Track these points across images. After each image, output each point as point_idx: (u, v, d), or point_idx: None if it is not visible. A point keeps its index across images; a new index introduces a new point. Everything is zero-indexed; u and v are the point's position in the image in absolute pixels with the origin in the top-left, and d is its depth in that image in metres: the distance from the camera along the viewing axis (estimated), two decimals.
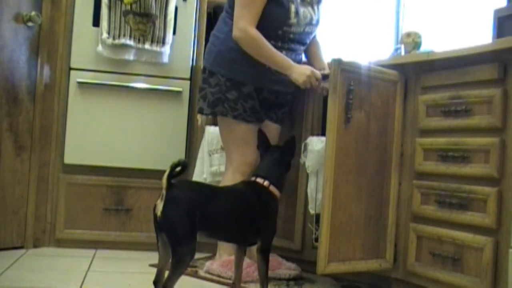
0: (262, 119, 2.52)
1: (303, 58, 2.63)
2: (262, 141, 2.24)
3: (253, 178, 2.14)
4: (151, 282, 2.15)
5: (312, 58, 2.62)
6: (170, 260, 1.81)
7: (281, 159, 2.17)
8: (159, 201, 1.82)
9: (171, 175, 1.81)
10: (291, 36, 2.45)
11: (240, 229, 2.02)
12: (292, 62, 2.37)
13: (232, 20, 2.42)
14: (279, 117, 2.61)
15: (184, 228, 1.81)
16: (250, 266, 2.41)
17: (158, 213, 1.80)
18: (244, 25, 2.34)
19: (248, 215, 2.01)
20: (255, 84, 2.44)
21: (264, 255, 2.05)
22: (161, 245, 1.86)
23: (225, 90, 2.44)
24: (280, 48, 2.42)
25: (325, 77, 2.38)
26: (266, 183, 2.09)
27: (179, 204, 1.81)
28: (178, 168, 1.81)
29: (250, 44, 2.36)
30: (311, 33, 2.53)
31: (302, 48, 2.56)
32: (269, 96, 2.50)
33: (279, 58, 2.36)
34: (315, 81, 2.35)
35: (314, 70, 2.37)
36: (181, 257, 1.80)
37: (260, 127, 2.53)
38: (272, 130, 2.59)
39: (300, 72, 2.35)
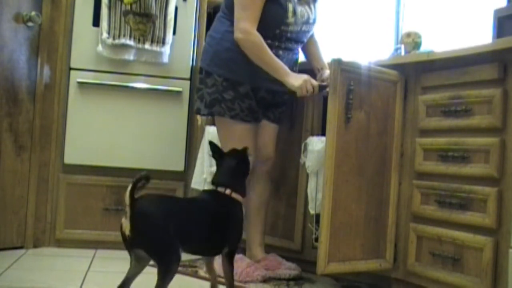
0: (259, 118, 2.52)
1: (302, 58, 2.63)
2: (215, 150, 2.15)
3: (213, 188, 2.07)
4: (151, 282, 2.15)
5: (311, 57, 2.62)
6: (157, 270, 1.75)
7: (238, 165, 2.10)
8: (124, 219, 1.73)
9: (133, 191, 1.71)
10: (289, 35, 2.44)
11: (210, 239, 1.96)
12: (289, 70, 2.37)
13: (228, 20, 2.43)
14: (276, 117, 2.60)
15: (162, 239, 1.75)
16: (250, 266, 2.41)
17: (127, 231, 1.71)
18: (246, 27, 2.33)
19: (216, 224, 1.97)
20: (252, 84, 2.43)
21: (230, 258, 2.04)
22: (134, 258, 1.80)
23: (222, 90, 2.43)
24: (277, 48, 2.42)
25: (322, 88, 2.37)
26: (228, 191, 2.04)
27: (148, 217, 1.74)
28: (141, 182, 1.73)
29: (251, 47, 2.36)
30: (308, 31, 2.53)
31: (299, 47, 2.56)
32: (266, 95, 2.50)
33: (277, 65, 2.36)
34: (310, 87, 2.34)
35: (311, 78, 2.37)
36: (168, 266, 1.76)
37: (258, 127, 2.54)
38: (270, 130, 2.59)
39: (296, 77, 2.35)
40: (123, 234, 1.74)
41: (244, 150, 2.15)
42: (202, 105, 2.50)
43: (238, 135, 2.48)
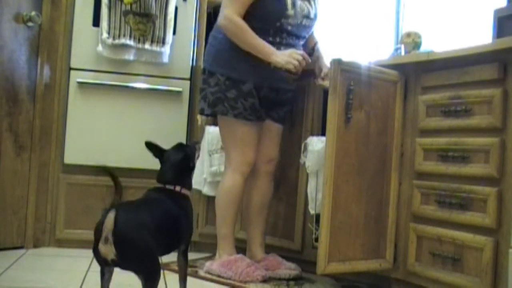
0: (262, 117, 2.52)
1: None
2: (154, 149, 2.08)
3: (161, 185, 2.01)
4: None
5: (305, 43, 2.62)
6: (143, 282, 1.72)
7: (183, 160, 2.04)
8: (101, 245, 1.67)
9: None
10: (289, 28, 2.43)
11: (171, 239, 1.92)
12: (274, 49, 2.37)
13: None
14: (281, 117, 2.60)
15: (148, 257, 1.71)
16: (250, 266, 2.41)
17: (110, 257, 1.66)
18: (229, 13, 2.36)
19: (175, 223, 1.92)
20: (255, 82, 2.43)
21: (186, 255, 2.00)
22: (107, 272, 1.78)
23: (224, 89, 2.43)
24: (278, 44, 2.42)
25: (310, 54, 2.39)
26: (177, 188, 1.99)
27: (133, 241, 1.68)
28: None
29: (234, 30, 2.37)
30: (309, 27, 2.52)
31: (300, 43, 2.54)
32: (269, 93, 2.49)
33: (262, 45, 2.36)
34: (298, 56, 2.34)
35: (295, 50, 2.37)
36: (156, 279, 1.73)
37: (261, 127, 2.53)
38: (273, 130, 2.59)
39: (282, 54, 2.36)
40: (103, 258, 1.68)
41: (187, 144, 2.14)
42: (205, 105, 2.50)
43: (241, 134, 2.48)
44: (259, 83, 2.44)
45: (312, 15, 2.50)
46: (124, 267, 1.70)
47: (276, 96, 2.53)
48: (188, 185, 2.05)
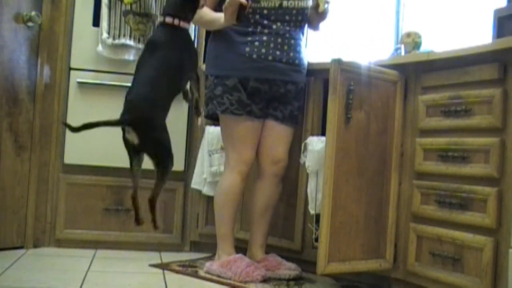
0: (253, 112, 2.46)
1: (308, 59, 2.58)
2: None
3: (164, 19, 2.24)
4: (151, 282, 2.15)
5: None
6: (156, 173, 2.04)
7: None
8: (126, 134, 1.99)
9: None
10: (265, 12, 2.37)
11: (177, 77, 2.26)
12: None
13: None
14: (286, 116, 2.52)
15: (162, 142, 2.02)
16: (249, 266, 2.41)
17: (135, 141, 1.95)
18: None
19: (177, 67, 2.21)
20: (239, 75, 2.42)
21: (197, 81, 2.38)
22: (136, 161, 2.07)
23: (213, 87, 2.48)
24: (260, 34, 2.39)
25: None
26: (176, 21, 2.20)
27: (149, 126, 1.97)
28: None
29: (198, 19, 2.44)
30: (294, 8, 2.40)
31: (295, 29, 2.44)
32: (259, 85, 2.43)
33: (215, 16, 2.41)
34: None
35: None
36: (169, 165, 2.06)
37: (259, 124, 2.51)
38: (278, 130, 2.53)
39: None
40: (131, 144, 1.99)
41: None
42: (204, 107, 2.58)
43: (236, 132, 2.48)
44: (243, 76, 2.42)
45: None
46: (144, 149, 2.00)
47: (270, 88, 2.45)
48: (188, 19, 2.24)
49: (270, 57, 2.41)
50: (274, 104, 2.52)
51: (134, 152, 1.99)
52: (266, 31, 2.40)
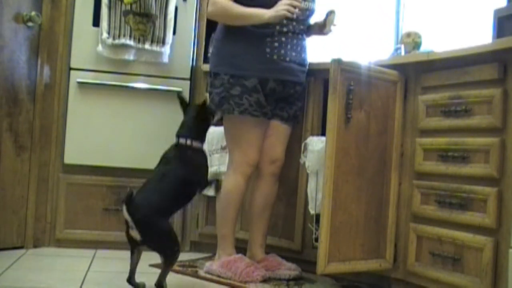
0: (268, 114, 2.49)
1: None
2: (183, 102, 2.40)
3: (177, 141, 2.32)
4: (151, 282, 2.15)
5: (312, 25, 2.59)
6: (163, 261, 2.09)
7: (197, 117, 2.34)
8: (130, 230, 2.05)
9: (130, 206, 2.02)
10: None
11: (184, 196, 2.31)
12: (265, 10, 2.34)
13: None
14: (290, 116, 2.55)
15: (167, 237, 2.10)
16: (249, 266, 2.41)
17: (138, 238, 2.04)
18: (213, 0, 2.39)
19: (184, 185, 2.25)
20: (259, 76, 2.41)
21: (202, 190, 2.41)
22: (136, 251, 2.12)
23: (229, 87, 2.42)
24: (280, 34, 2.40)
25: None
26: (188, 142, 2.28)
27: (154, 224, 2.06)
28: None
29: (221, 12, 2.39)
30: (307, 9, 2.46)
31: (303, 30, 2.49)
32: (275, 86, 2.45)
33: (252, 11, 2.36)
34: (286, 1, 2.31)
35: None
36: (175, 256, 2.11)
37: (267, 126, 2.52)
38: (280, 130, 2.55)
39: (273, 8, 2.33)
40: (134, 240, 2.06)
41: (203, 103, 2.40)
42: (214, 107, 2.48)
43: (245, 133, 2.46)
44: (263, 77, 2.42)
45: None
46: (148, 246, 2.07)
47: (283, 89, 2.48)
48: (201, 139, 2.33)
49: (287, 58, 2.43)
50: (281, 105, 2.53)
51: (135, 244, 2.10)
52: (284, 29, 2.42)
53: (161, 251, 2.08)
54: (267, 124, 2.52)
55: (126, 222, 2.04)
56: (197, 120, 2.32)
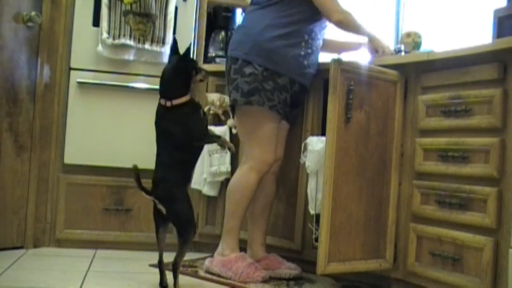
0: (288, 115, 2.54)
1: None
2: (174, 47, 2.34)
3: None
4: (151, 282, 2.15)
5: (337, 45, 2.78)
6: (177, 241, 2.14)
7: (176, 72, 2.27)
8: (158, 206, 2.15)
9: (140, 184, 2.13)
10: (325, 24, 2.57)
11: (188, 154, 2.31)
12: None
13: (270, 12, 2.46)
14: (293, 116, 2.61)
15: (186, 213, 2.16)
16: (250, 266, 2.41)
17: (164, 211, 2.14)
18: (339, 8, 2.46)
19: (182, 147, 2.26)
20: (290, 76, 2.45)
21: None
22: (162, 231, 2.21)
23: (262, 79, 2.41)
24: (313, 40, 2.51)
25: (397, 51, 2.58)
26: (168, 103, 2.23)
27: (174, 199, 2.15)
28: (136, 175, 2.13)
29: (351, 20, 2.49)
30: (326, 27, 2.62)
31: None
32: (298, 90, 2.51)
33: (367, 27, 2.55)
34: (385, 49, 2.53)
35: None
36: (190, 235, 2.16)
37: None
38: (285, 131, 2.62)
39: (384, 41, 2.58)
40: (161, 214, 2.15)
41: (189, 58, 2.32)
42: (238, 95, 2.44)
43: (268, 131, 2.46)
44: (293, 78, 2.46)
45: None
46: (170, 219, 2.16)
47: (300, 93, 2.55)
48: (183, 91, 2.25)
49: (311, 66, 2.52)
50: (293, 105, 2.56)
51: (162, 220, 2.18)
52: (317, 42, 2.54)
53: (179, 226, 2.13)
54: (281, 123, 2.55)
55: (154, 204, 2.17)
56: (177, 74, 2.25)
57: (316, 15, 2.46)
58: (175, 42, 2.35)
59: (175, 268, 2.12)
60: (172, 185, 2.15)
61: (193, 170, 2.36)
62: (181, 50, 3.05)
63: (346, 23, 2.47)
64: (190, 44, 2.33)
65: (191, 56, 2.34)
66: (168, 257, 2.17)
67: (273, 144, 2.48)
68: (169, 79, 2.26)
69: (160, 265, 2.18)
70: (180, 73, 2.25)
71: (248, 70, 2.42)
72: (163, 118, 2.24)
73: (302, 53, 2.46)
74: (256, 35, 2.44)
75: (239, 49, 2.46)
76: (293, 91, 2.48)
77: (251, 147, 2.49)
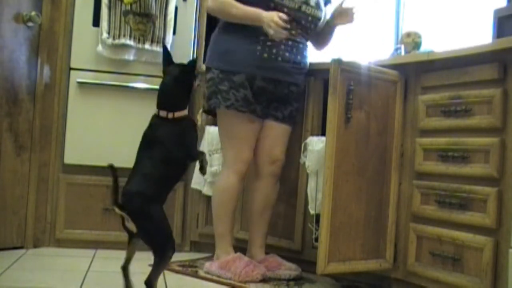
0: (256, 111, 2.48)
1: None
2: (167, 57, 2.26)
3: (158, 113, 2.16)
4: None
5: (324, 33, 2.59)
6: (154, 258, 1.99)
7: (177, 84, 2.18)
8: (126, 222, 1.99)
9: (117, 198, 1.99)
10: (285, 11, 2.36)
11: (174, 171, 2.17)
12: (261, 10, 2.33)
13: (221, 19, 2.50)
14: (285, 116, 2.54)
15: (159, 229, 2.00)
16: (248, 265, 2.41)
17: (134, 229, 1.99)
18: None
19: (170, 162, 2.12)
20: (246, 72, 2.42)
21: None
22: (132, 243, 2.07)
23: (218, 82, 2.45)
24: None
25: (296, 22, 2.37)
26: (169, 115, 2.11)
27: (147, 216, 1.98)
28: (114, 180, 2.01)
29: (219, 7, 2.42)
30: (310, 15, 2.44)
31: (304, 38, 2.48)
32: (265, 85, 2.45)
33: (250, 10, 2.35)
34: (277, 18, 2.28)
35: (279, 13, 2.31)
36: (166, 254, 2.01)
37: (259, 125, 2.52)
38: (278, 130, 2.55)
39: (268, 17, 2.29)
40: (130, 232, 2.02)
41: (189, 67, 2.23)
42: (204, 101, 2.55)
43: (236, 130, 2.47)
44: (251, 73, 2.43)
45: (312, 3, 2.44)
46: (142, 238, 2.01)
47: (275, 88, 2.47)
48: (184, 105, 2.16)
49: (279, 58, 2.43)
50: (274, 105, 2.53)
51: (132, 236, 2.04)
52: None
53: (154, 245, 1.97)
54: (260, 123, 2.52)
55: (122, 217, 1.99)
56: (178, 85, 2.15)
57: (259, 8, 2.35)
58: (166, 51, 2.25)
59: (148, 286, 1.96)
60: (148, 200, 1.97)
61: (172, 188, 2.15)
62: (180, 57, 3.08)
63: (214, 13, 2.46)
64: (197, 58, 2.31)
65: (196, 69, 2.23)
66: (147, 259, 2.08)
67: (245, 142, 2.48)
68: (172, 91, 2.13)
69: (125, 271, 2.03)
70: (183, 86, 2.17)
71: (208, 76, 2.50)
72: (158, 129, 2.10)
73: (259, 47, 2.40)
74: (214, 41, 2.53)
75: (207, 59, 2.57)
76: (257, 86, 2.44)
77: (225, 150, 2.54)
